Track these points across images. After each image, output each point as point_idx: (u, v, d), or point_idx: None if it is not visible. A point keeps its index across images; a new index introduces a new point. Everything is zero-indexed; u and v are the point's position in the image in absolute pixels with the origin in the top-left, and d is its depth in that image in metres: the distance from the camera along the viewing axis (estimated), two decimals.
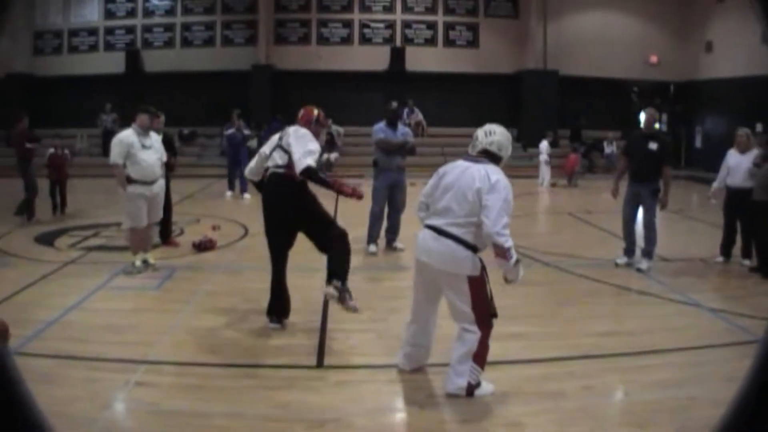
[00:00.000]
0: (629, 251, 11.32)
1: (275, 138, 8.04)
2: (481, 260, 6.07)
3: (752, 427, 1.51)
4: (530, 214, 16.99)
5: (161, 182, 10.83)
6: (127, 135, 10.52)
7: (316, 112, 8.18)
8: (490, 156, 6.25)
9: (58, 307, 8.60)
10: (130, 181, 10.38)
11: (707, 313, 8.76)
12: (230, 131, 20.82)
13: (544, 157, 25.07)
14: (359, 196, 7.72)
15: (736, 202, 11.42)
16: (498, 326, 8.03)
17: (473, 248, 6.01)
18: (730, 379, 5.75)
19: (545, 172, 25.08)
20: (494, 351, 7.19)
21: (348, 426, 5.59)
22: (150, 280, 10.17)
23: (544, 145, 25.21)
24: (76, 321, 8.19)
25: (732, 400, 1.56)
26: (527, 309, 8.85)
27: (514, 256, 5.86)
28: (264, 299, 8.08)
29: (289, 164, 7.60)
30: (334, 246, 7.48)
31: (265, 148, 8.02)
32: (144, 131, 10.60)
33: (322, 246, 7.68)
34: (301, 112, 8.22)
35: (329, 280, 7.24)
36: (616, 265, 11.22)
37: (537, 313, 8.71)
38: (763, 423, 1.50)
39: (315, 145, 7.72)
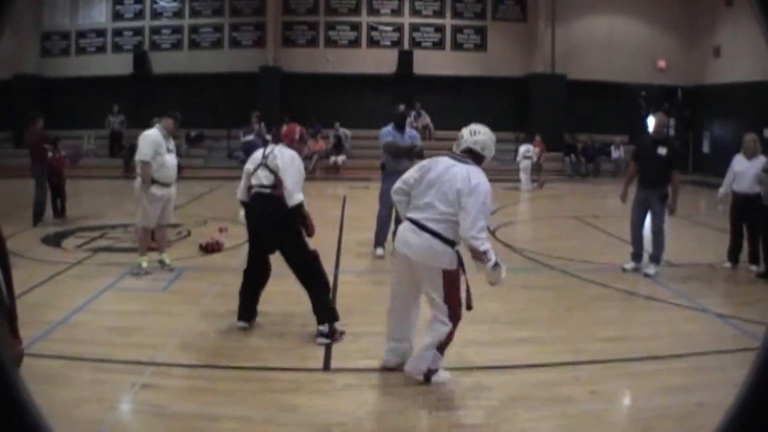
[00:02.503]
0: (637, 256, 11.29)
1: (258, 155, 8.04)
2: (459, 254, 6.26)
3: (752, 429, 1.51)
4: (537, 219, 16.98)
5: (175, 185, 10.88)
6: (155, 135, 10.56)
7: (298, 129, 8.35)
8: (473, 155, 6.47)
9: (65, 308, 8.62)
10: (152, 181, 10.42)
11: (715, 319, 8.73)
12: (249, 138, 19.71)
13: (524, 162, 24.72)
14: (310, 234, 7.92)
15: (743, 207, 11.39)
16: (505, 331, 8.07)
17: (451, 243, 6.21)
18: (738, 386, 5.72)
19: (524, 178, 24.70)
20: (501, 355, 7.23)
21: (356, 429, 5.57)
22: (157, 282, 10.18)
23: (524, 148, 24.94)
24: (83, 322, 8.19)
25: (731, 404, 1.56)
26: (534, 314, 8.86)
27: (493, 259, 6.06)
28: (272, 302, 8.11)
29: (276, 185, 7.71)
30: (311, 283, 7.76)
31: (249, 165, 8.05)
32: (168, 134, 10.67)
33: (299, 277, 7.85)
34: (284, 129, 8.40)
35: (319, 322, 7.64)
36: (624, 270, 11.20)
37: (544, 318, 8.69)
38: (762, 426, 1.50)
39: (303, 171, 7.95)
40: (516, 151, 25.86)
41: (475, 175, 6.20)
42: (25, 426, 1.56)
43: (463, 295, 6.29)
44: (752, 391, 1.54)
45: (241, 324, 8.00)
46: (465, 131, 6.63)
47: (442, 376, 6.49)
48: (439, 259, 6.18)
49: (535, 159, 24.94)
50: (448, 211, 6.12)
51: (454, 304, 6.26)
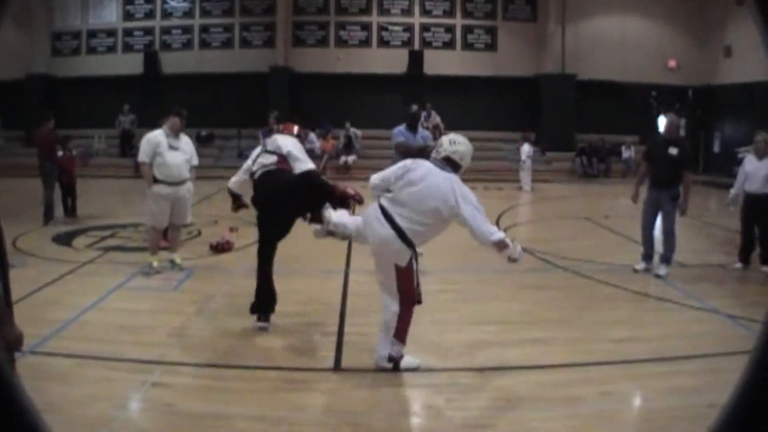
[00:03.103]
0: (648, 257, 11.25)
1: (256, 152, 8.23)
2: (414, 252, 6.58)
3: (749, 426, 1.51)
4: (548, 219, 16.95)
5: (188, 185, 10.82)
6: (155, 135, 10.60)
7: (296, 128, 8.52)
8: (451, 164, 6.70)
9: (76, 306, 8.63)
10: (155, 180, 10.44)
11: (726, 320, 8.69)
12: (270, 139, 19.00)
13: (527, 161, 24.40)
14: (360, 200, 7.78)
15: (755, 208, 11.34)
16: (516, 331, 8.06)
17: (410, 244, 6.49)
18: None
19: (526, 176, 24.37)
20: (512, 356, 7.21)
21: (366, 429, 5.58)
22: (167, 281, 10.20)
23: (526, 148, 24.57)
24: (93, 321, 8.21)
25: (728, 400, 1.55)
26: (545, 314, 8.84)
27: (510, 242, 6.34)
28: (282, 302, 8.08)
29: (280, 161, 7.80)
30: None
31: (248, 161, 8.21)
32: (174, 133, 10.66)
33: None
34: (282, 126, 8.60)
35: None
36: (635, 270, 11.15)
37: (555, 319, 8.66)
38: (760, 422, 1.49)
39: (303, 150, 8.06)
40: (519, 150, 25.51)
41: (458, 184, 6.48)
42: (19, 421, 1.56)
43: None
44: (747, 389, 1.54)
45: (261, 325, 7.96)
46: (445, 140, 6.90)
47: (409, 362, 6.77)
48: (394, 255, 6.49)
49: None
50: (421, 214, 6.43)
51: (406, 294, 6.59)
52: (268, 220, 7.93)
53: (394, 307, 6.57)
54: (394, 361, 6.66)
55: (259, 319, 7.97)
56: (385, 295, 6.65)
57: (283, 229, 7.95)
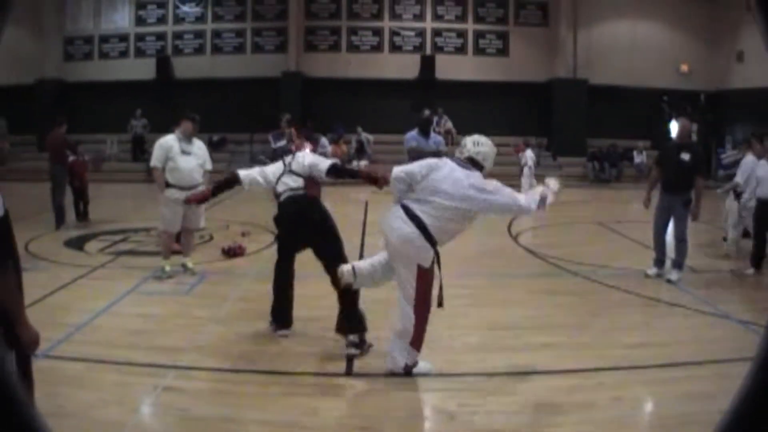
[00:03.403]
0: (659, 262, 11.22)
1: (278, 165, 8.16)
2: (437, 254, 6.54)
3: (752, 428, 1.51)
4: (559, 224, 16.88)
5: (201, 189, 10.80)
6: (167, 140, 10.65)
7: (309, 147, 8.78)
8: (474, 164, 6.74)
9: (88, 310, 8.66)
10: (167, 185, 10.47)
11: (738, 325, 8.65)
12: (281, 143, 18.41)
13: (529, 166, 23.88)
14: (386, 181, 7.76)
15: (766, 213, 11.31)
16: (528, 336, 8.05)
17: (432, 241, 6.46)
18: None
19: (527, 183, 23.27)
20: (524, 361, 7.20)
21: None
22: (180, 286, 10.22)
23: (528, 153, 24.21)
24: (105, 325, 8.23)
25: (729, 405, 1.55)
26: (557, 319, 8.82)
27: (546, 196, 6.67)
28: (294, 307, 8.07)
29: (307, 185, 7.85)
30: (341, 300, 7.65)
31: (269, 176, 8.09)
32: (186, 138, 10.69)
33: (329, 272, 7.69)
34: (294, 145, 8.74)
35: (349, 331, 7.52)
36: (646, 275, 11.12)
37: (567, 324, 8.64)
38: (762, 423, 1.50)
39: None
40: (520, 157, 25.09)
41: (479, 179, 6.58)
42: (20, 423, 1.57)
43: (435, 292, 6.60)
44: (750, 393, 1.54)
45: (283, 332, 7.96)
46: (469, 141, 6.91)
47: (422, 367, 6.76)
48: (416, 253, 6.45)
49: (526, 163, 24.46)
50: (444, 212, 6.44)
51: (423, 299, 6.55)
52: (290, 242, 8.04)
53: (410, 319, 6.55)
54: (408, 368, 6.66)
55: (278, 328, 7.99)
56: (403, 302, 6.60)
57: (304, 247, 8.03)
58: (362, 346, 7.40)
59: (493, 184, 6.53)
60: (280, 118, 19.19)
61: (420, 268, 6.45)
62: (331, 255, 7.73)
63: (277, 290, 8.06)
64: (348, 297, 7.53)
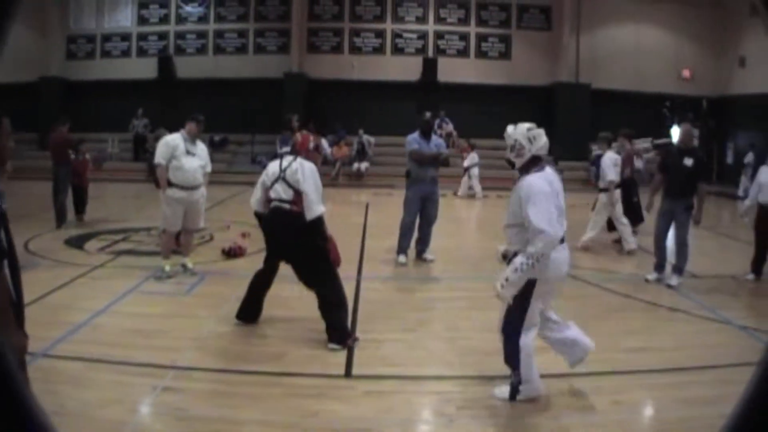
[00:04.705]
0: (660, 267, 11.21)
1: (275, 167, 8.06)
2: None
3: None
4: None
5: (202, 190, 10.86)
6: (173, 138, 10.68)
7: (312, 138, 8.50)
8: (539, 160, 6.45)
9: (88, 310, 8.65)
10: (170, 184, 10.48)
11: (738, 331, 8.65)
12: (286, 149, 17.88)
13: (475, 169, 24.36)
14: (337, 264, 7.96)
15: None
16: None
17: None
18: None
19: (476, 184, 24.09)
20: None
21: None
22: (180, 286, 10.22)
23: (473, 155, 24.69)
24: (105, 324, 8.22)
25: (731, 412, 1.55)
26: None
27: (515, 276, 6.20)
28: (294, 307, 8.13)
29: (296, 200, 7.76)
30: (324, 302, 7.75)
31: (265, 178, 8.08)
32: (191, 138, 10.71)
33: (315, 291, 7.86)
34: (298, 138, 8.41)
35: (330, 340, 7.62)
36: (647, 280, 11.12)
37: None
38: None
39: (320, 185, 7.97)
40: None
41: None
42: (25, 420, 1.56)
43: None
44: (752, 400, 1.53)
45: (239, 323, 8.21)
46: (524, 141, 6.48)
47: (526, 391, 6.39)
48: None
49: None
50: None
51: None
52: (273, 248, 8.18)
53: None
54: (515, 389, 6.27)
55: (239, 317, 8.31)
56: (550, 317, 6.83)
57: (289, 259, 8.08)
58: (344, 341, 7.57)
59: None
60: (290, 118, 18.93)
61: None
62: (304, 279, 7.90)
63: (250, 287, 8.31)
64: (329, 307, 7.70)
